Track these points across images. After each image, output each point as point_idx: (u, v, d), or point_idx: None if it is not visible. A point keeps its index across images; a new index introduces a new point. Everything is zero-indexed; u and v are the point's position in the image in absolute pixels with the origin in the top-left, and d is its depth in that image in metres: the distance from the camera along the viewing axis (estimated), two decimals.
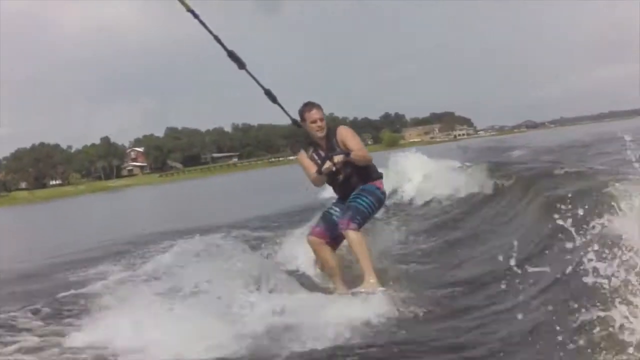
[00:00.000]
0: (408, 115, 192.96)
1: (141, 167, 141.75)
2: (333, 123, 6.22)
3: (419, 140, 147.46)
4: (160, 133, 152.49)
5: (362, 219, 5.69)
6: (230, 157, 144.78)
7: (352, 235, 5.55)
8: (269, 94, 5.41)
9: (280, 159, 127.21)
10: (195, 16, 4.56)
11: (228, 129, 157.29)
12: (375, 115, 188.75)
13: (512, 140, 51.36)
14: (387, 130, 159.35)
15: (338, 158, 5.63)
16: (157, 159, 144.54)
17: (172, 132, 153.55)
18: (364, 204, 5.74)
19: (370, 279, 5.42)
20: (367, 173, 5.90)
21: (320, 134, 5.80)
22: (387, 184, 6.85)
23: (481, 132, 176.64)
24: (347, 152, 5.66)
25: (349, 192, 5.83)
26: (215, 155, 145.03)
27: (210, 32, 4.73)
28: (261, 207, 15.94)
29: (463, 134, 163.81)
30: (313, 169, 5.84)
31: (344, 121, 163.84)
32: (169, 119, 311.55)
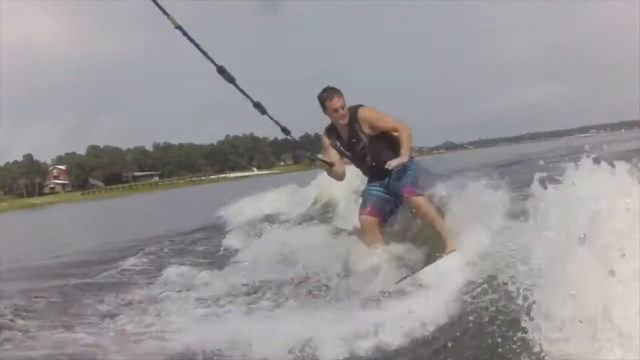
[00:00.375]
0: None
1: (63, 185, 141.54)
2: (352, 107, 5.72)
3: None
4: (82, 151, 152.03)
5: (421, 187, 5.59)
6: (152, 175, 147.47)
7: (421, 201, 5.47)
8: (258, 106, 5.10)
9: (202, 178, 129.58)
10: (185, 33, 4.22)
11: (149, 147, 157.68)
12: (295, 135, 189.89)
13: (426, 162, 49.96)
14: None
15: (396, 164, 5.37)
16: (79, 177, 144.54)
17: (93, 150, 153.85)
18: (413, 173, 5.58)
19: (450, 241, 5.25)
20: (396, 144, 5.55)
21: (343, 122, 5.61)
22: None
23: None
24: (400, 156, 5.42)
25: (383, 167, 5.43)
26: (137, 174, 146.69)
27: (199, 48, 4.36)
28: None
29: None
30: (338, 166, 5.80)
31: (264, 141, 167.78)
32: (91, 137, 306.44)
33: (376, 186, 5.80)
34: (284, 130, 5.56)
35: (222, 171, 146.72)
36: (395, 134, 5.59)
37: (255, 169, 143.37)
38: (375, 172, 5.77)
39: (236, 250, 9.26)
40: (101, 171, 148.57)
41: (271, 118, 5.28)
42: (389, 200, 5.77)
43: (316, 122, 6.16)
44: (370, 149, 5.66)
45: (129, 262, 9.07)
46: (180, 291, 6.31)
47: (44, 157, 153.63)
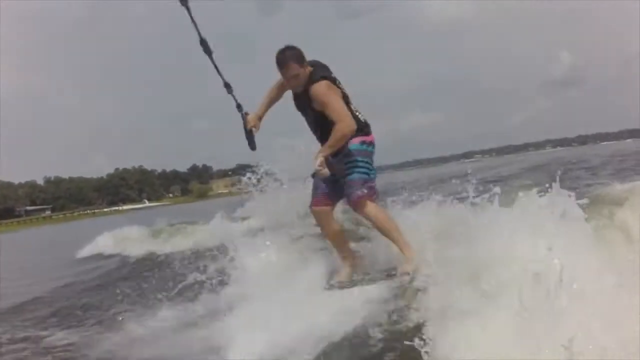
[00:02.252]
0: (215, 167, 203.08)
1: None
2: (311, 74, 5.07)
3: (227, 191, 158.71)
4: None
5: (369, 187, 5.00)
6: (44, 209, 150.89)
7: (370, 208, 4.95)
8: (227, 86, 5.22)
9: (96, 211, 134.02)
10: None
11: (40, 182, 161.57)
12: (183, 167, 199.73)
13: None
14: (195, 182, 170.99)
15: (316, 167, 4.92)
16: None
17: None
18: (358, 171, 5.01)
19: (407, 254, 4.75)
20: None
21: (298, 90, 5.14)
22: None
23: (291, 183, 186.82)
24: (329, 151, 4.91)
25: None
26: (29, 208, 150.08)
27: (192, 17, 4.68)
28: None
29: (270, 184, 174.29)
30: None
31: (152, 173, 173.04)
32: None
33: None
34: (239, 106, 5.43)
35: (114, 203, 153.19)
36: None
37: (146, 201, 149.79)
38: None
39: None
40: None
41: (235, 99, 5.35)
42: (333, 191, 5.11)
43: None
44: (319, 124, 5.08)
45: None
46: None
47: None
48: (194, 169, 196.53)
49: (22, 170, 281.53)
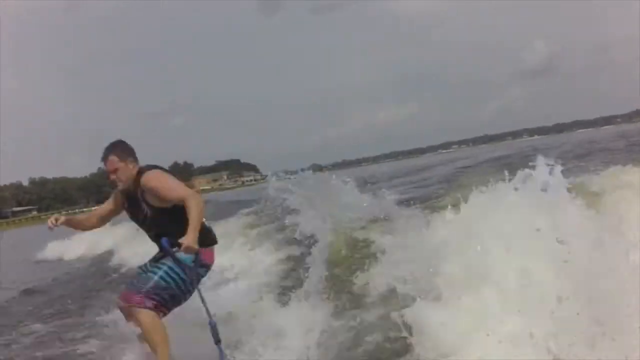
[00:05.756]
0: (196, 164, 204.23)
1: None
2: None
3: (209, 187, 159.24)
4: None
5: (163, 297, 4.60)
6: (30, 210, 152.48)
7: (145, 317, 4.50)
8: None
9: (84, 209, 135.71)
10: None
11: (25, 182, 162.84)
12: (164, 164, 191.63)
13: None
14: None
15: (184, 249, 4.49)
16: None
17: None
18: (167, 276, 4.63)
19: None
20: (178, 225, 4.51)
21: (120, 187, 4.81)
22: None
23: (271, 177, 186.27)
24: (178, 245, 4.50)
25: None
26: (15, 209, 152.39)
27: None
28: None
29: (251, 180, 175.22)
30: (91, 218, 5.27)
31: None
32: None
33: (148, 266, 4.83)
34: None
35: (100, 202, 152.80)
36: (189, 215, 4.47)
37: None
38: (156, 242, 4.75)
39: None
40: None
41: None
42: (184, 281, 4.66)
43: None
44: (155, 221, 4.75)
45: None
46: None
47: None
48: (175, 166, 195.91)
49: (7, 171, 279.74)
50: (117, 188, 4.88)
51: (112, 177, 4.76)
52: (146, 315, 4.47)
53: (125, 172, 4.74)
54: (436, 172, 21.54)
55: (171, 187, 4.64)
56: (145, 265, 4.89)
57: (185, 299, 4.75)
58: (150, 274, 4.65)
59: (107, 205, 5.14)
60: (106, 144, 4.87)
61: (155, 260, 4.81)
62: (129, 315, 4.73)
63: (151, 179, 4.66)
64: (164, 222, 4.71)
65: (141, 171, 4.77)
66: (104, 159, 4.80)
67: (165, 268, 4.62)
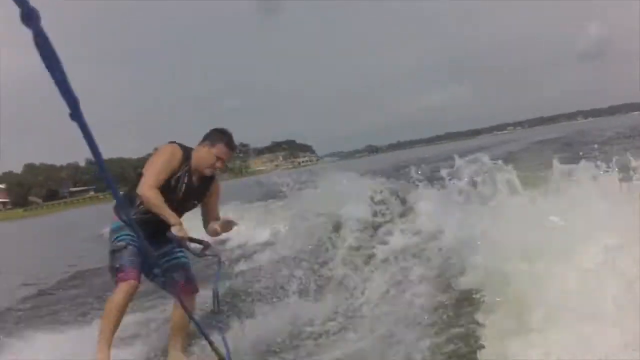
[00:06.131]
0: (252, 145, 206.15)
1: (4, 204, 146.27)
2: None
3: (264, 167, 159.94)
4: (18, 169, 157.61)
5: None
6: (87, 190, 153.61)
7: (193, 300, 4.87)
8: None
9: None
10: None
11: (82, 163, 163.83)
12: None
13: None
14: (234, 159, 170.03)
15: (179, 236, 4.44)
16: (18, 195, 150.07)
17: (30, 168, 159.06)
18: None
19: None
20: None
21: (209, 174, 4.80)
22: None
23: (326, 159, 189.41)
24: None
25: (160, 236, 4.50)
26: (73, 189, 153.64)
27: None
28: None
29: (307, 161, 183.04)
30: (170, 214, 4.48)
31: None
32: (26, 155, 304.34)
33: (136, 240, 4.53)
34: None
35: None
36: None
37: None
38: (155, 231, 4.40)
39: None
40: (39, 188, 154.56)
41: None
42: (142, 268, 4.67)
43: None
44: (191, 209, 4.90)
45: None
46: None
47: None
48: None
49: (64, 152, 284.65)
50: (207, 173, 4.77)
51: (221, 166, 4.81)
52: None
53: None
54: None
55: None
56: (135, 241, 4.65)
57: None
58: (186, 260, 4.92)
59: (164, 174, 4.62)
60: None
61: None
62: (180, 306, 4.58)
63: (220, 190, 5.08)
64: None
65: None
66: (234, 148, 4.90)
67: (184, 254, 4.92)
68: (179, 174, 4.66)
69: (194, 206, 4.88)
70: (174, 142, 4.76)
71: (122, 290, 4.43)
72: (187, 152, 4.73)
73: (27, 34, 1.23)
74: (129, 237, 4.59)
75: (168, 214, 4.47)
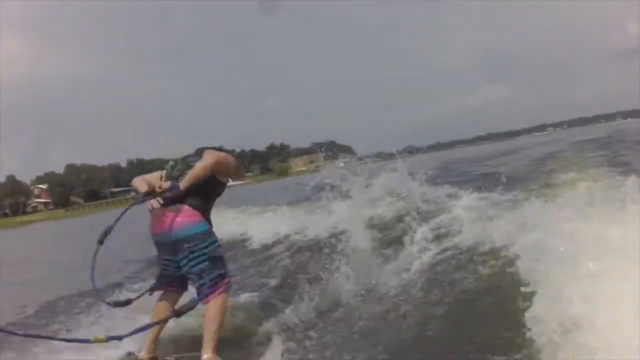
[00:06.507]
0: (292, 145, 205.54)
1: (45, 204, 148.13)
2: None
3: (305, 168, 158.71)
4: (60, 170, 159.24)
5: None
6: (129, 190, 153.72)
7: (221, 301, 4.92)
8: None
9: None
10: None
11: (123, 164, 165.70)
12: (261, 146, 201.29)
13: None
14: (275, 160, 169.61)
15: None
16: (60, 195, 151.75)
17: (71, 169, 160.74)
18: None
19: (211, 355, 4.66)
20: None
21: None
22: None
23: (367, 159, 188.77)
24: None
25: None
26: (114, 189, 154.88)
27: None
28: None
29: (347, 161, 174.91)
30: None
31: (232, 153, 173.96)
32: (68, 156, 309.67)
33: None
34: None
35: None
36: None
37: (230, 180, 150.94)
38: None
39: None
40: (81, 189, 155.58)
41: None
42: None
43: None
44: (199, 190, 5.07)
45: None
46: None
47: (23, 177, 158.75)
48: (271, 147, 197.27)
49: (106, 153, 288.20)
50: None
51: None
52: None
53: None
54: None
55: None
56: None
57: None
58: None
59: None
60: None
61: None
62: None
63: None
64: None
65: None
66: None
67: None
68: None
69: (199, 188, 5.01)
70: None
71: (226, 296, 4.86)
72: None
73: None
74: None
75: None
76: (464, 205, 7.14)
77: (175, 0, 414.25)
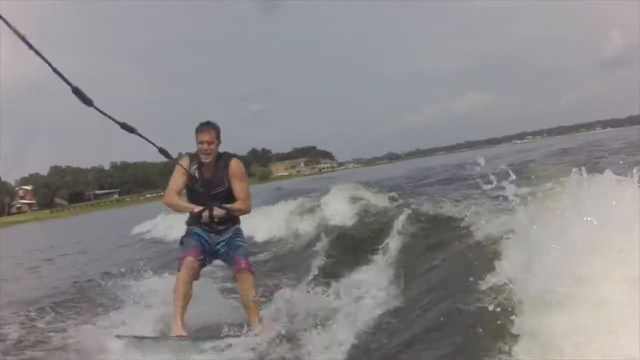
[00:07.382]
0: (273, 151, 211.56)
1: (30, 205, 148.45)
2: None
3: (287, 173, 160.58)
4: (44, 171, 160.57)
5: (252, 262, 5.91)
6: (112, 193, 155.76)
7: (251, 278, 5.66)
8: (125, 127, 4.35)
9: (161, 194, 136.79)
10: (31, 47, 3.18)
11: (107, 167, 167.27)
12: (243, 151, 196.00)
13: (380, 171, 58.11)
14: (256, 165, 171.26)
15: (219, 212, 5.70)
16: (45, 197, 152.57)
17: (56, 170, 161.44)
18: (245, 245, 5.97)
19: (259, 324, 5.47)
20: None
21: (206, 159, 5.69)
22: None
23: (349, 165, 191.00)
24: (229, 208, 5.73)
25: (217, 226, 5.86)
26: (98, 192, 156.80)
27: (50, 65, 3.34)
28: None
29: (327, 167, 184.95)
30: (187, 207, 5.85)
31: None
32: (53, 158, 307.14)
33: (204, 236, 5.81)
34: (162, 151, 5.06)
35: None
36: (238, 204, 5.82)
37: None
38: (211, 221, 5.78)
39: None
40: (65, 190, 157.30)
41: (143, 137, 4.58)
42: (205, 251, 5.80)
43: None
44: (224, 197, 5.78)
45: None
46: None
47: (6, 177, 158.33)
48: (253, 152, 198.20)
49: (89, 155, 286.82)
50: (204, 159, 5.71)
51: (207, 147, 5.64)
52: (252, 276, 5.77)
53: (215, 149, 5.73)
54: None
55: (245, 183, 5.94)
56: (196, 232, 5.84)
57: None
58: (240, 248, 5.93)
59: (180, 179, 5.77)
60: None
61: (199, 229, 5.89)
62: (190, 273, 5.56)
63: (242, 169, 5.95)
64: (229, 200, 5.84)
65: (224, 155, 5.87)
66: (207, 128, 5.65)
67: (242, 242, 6.01)
68: (191, 173, 5.73)
69: (225, 193, 5.82)
70: (193, 155, 5.87)
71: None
72: (194, 154, 5.84)
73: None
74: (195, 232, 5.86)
75: (185, 207, 5.89)
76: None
77: (157, 1, 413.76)
